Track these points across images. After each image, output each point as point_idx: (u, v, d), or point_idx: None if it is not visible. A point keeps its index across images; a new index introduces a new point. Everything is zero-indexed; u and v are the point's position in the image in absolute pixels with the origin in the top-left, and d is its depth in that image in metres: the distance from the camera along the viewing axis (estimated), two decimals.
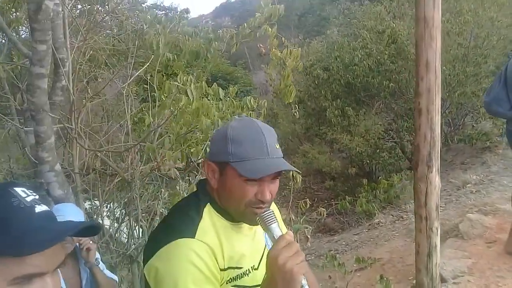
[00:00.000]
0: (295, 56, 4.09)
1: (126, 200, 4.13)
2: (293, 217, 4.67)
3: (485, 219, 4.65)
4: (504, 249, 3.70)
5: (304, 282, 1.17)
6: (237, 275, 1.35)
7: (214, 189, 1.35)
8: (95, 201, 4.77)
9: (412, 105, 9.36)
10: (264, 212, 1.25)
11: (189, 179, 4.02)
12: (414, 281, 2.38)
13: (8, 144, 6.99)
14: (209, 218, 1.32)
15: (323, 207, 4.92)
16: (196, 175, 3.96)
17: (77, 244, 2.48)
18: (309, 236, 4.39)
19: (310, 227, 4.45)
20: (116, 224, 4.66)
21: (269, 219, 1.24)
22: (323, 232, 8.54)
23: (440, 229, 2.05)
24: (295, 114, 6.59)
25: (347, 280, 4.17)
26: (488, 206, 5.14)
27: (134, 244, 3.66)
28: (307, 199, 4.73)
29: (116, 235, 4.41)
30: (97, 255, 2.58)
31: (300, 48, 4.30)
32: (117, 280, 2.67)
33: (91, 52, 5.47)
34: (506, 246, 3.70)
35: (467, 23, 8.59)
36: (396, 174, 8.77)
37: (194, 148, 3.89)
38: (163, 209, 3.93)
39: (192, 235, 1.25)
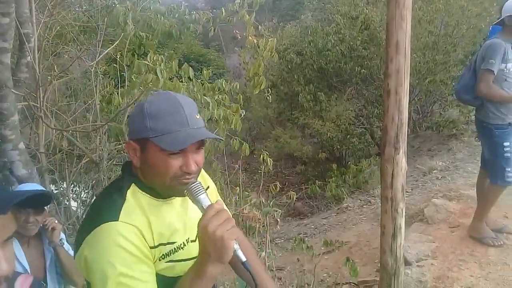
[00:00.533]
0: (271, 46, 4.07)
1: (93, 182, 4.05)
2: (263, 201, 4.70)
3: (450, 204, 4.77)
4: (467, 233, 3.82)
5: (236, 246, 1.18)
6: (170, 251, 1.34)
7: (137, 168, 1.33)
8: (62, 184, 4.66)
9: (383, 91, 9.51)
10: (191, 184, 1.25)
11: None
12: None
13: None
14: (134, 198, 1.30)
15: (293, 191, 4.95)
16: None
17: (42, 224, 2.42)
18: (278, 220, 4.43)
19: (280, 210, 4.48)
20: (83, 207, 4.58)
21: (196, 190, 1.24)
22: (293, 216, 8.63)
23: (405, 211, 2.08)
24: (267, 98, 6.59)
25: (314, 262, 4.22)
26: (452, 192, 5.28)
27: None
28: (277, 183, 4.76)
29: (83, 217, 4.33)
30: (62, 236, 2.52)
31: (275, 39, 4.28)
32: None
33: (59, 28, 5.29)
34: (469, 230, 3.81)
35: (438, 11, 8.70)
36: (365, 160, 8.91)
37: None
38: None
39: (116, 218, 1.23)
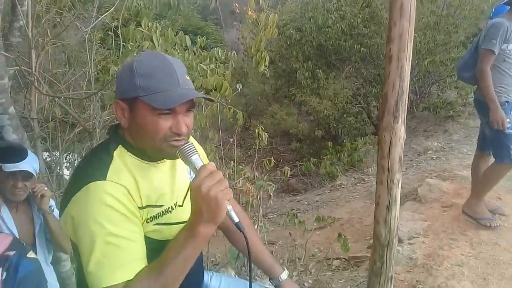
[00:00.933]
0: (272, 23, 3.97)
1: (86, 150, 4.00)
2: (257, 175, 4.68)
3: (443, 184, 4.78)
4: (462, 209, 3.75)
5: (229, 207, 1.18)
6: (157, 214, 1.32)
7: (125, 129, 1.31)
8: (55, 152, 4.62)
9: (382, 71, 9.41)
10: (184, 145, 1.23)
11: None
12: (371, 241, 2.42)
13: None
14: (120, 159, 1.28)
15: (288, 168, 4.94)
16: None
17: (31, 190, 2.40)
18: (271, 194, 4.42)
19: (274, 185, 4.47)
20: None
21: (189, 151, 1.22)
22: (286, 192, 8.65)
23: (401, 182, 2.05)
24: (265, 74, 6.51)
25: (306, 237, 4.25)
26: (446, 172, 5.28)
27: None
28: (272, 158, 4.74)
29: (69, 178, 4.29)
30: (52, 202, 2.50)
31: (276, 14, 4.19)
32: None
33: None
34: (465, 207, 3.73)
35: None
36: (361, 139, 8.91)
37: None
38: None
39: (103, 177, 1.21)
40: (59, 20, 5.51)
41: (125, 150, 1.30)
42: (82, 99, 3.99)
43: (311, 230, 4.53)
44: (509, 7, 3.40)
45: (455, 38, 8.77)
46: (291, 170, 5.21)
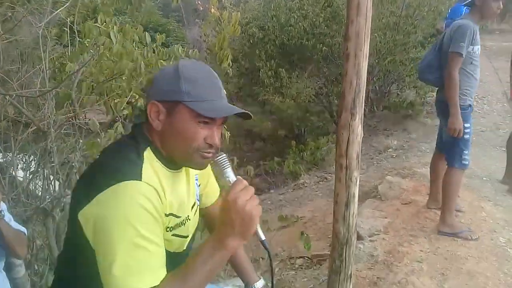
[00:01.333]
0: (235, 20, 3.94)
1: (41, 150, 3.84)
2: None
3: (403, 182, 4.89)
4: (438, 229, 3.60)
5: (258, 225, 1.19)
6: (176, 224, 1.30)
7: (155, 132, 1.27)
8: (7, 153, 4.42)
9: (342, 70, 9.56)
10: (219, 156, 1.24)
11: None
12: None
13: None
14: (150, 162, 1.24)
15: (251, 167, 4.91)
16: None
17: None
18: None
19: None
20: (30, 176, 4.36)
21: (223, 163, 1.23)
22: None
23: (359, 188, 2.06)
24: (228, 73, 6.46)
25: (269, 237, 4.23)
26: (406, 170, 5.41)
27: (49, 197, 3.43)
28: (235, 157, 4.69)
29: (30, 188, 4.12)
30: (2, 206, 2.37)
31: (239, 13, 4.15)
32: (26, 232, 2.49)
33: None
34: (440, 227, 3.59)
35: None
36: (323, 137, 9.00)
37: (118, 100, 3.67)
38: (80, 163, 3.70)
39: (138, 178, 1.16)
40: (10, 14, 5.29)
41: (153, 155, 1.26)
42: (36, 97, 3.82)
43: (274, 229, 4.52)
44: (471, 8, 3.43)
45: (414, 39, 8.98)
46: (254, 170, 5.19)
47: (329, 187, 6.34)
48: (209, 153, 1.24)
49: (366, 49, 1.84)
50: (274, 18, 10.33)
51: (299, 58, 10.12)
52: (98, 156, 1.33)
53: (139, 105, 3.86)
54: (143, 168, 1.19)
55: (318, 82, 10.32)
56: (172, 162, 1.29)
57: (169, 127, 1.23)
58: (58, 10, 4.21)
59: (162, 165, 1.27)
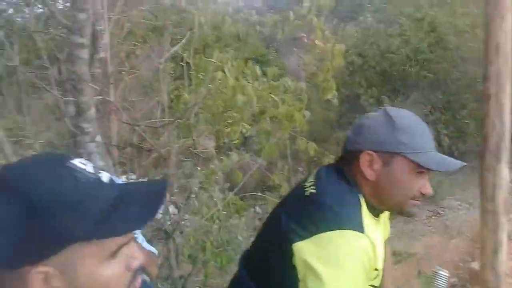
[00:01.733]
0: (339, 52, 3.98)
1: (162, 176, 4.11)
2: None
3: None
4: None
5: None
6: (376, 276, 1.24)
7: (365, 181, 1.23)
8: (131, 176, 4.78)
9: (451, 97, 9.08)
10: (443, 272, 1.33)
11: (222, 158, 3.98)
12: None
13: (43, 115, 7.04)
14: (364, 210, 1.21)
15: None
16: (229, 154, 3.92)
17: None
18: None
19: None
20: None
21: (443, 281, 1.32)
22: None
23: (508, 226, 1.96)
24: (330, 100, 6.45)
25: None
26: None
27: (169, 220, 3.63)
28: None
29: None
30: None
31: (343, 45, 4.20)
32: (156, 253, 2.65)
33: (129, 25, 5.44)
34: None
35: None
36: None
37: (230, 128, 3.84)
38: (197, 187, 3.90)
39: (361, 229, 1.14)
40: (133, 51, 5.81)
41: (365, 204, 1.23)
42: (157, 128, 4.13)
43: None
44: None
45: None
46: None
47: (442, 222, 6.00)
48: (418, 201, 1.23)
49: (508, 89, 1.78)
50: (373, 45, 10.19)
51: (402, 85, 9.83)
52: (315, 194, 1.25)
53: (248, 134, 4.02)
54: (363, 219, 1.17)
55: (424, 110, 9.90)
56: (376, 210, 1.26)
57: (385, 177, 1.21)
58: (176, 47, 4.56)
59: (370, 213, 1.23)
